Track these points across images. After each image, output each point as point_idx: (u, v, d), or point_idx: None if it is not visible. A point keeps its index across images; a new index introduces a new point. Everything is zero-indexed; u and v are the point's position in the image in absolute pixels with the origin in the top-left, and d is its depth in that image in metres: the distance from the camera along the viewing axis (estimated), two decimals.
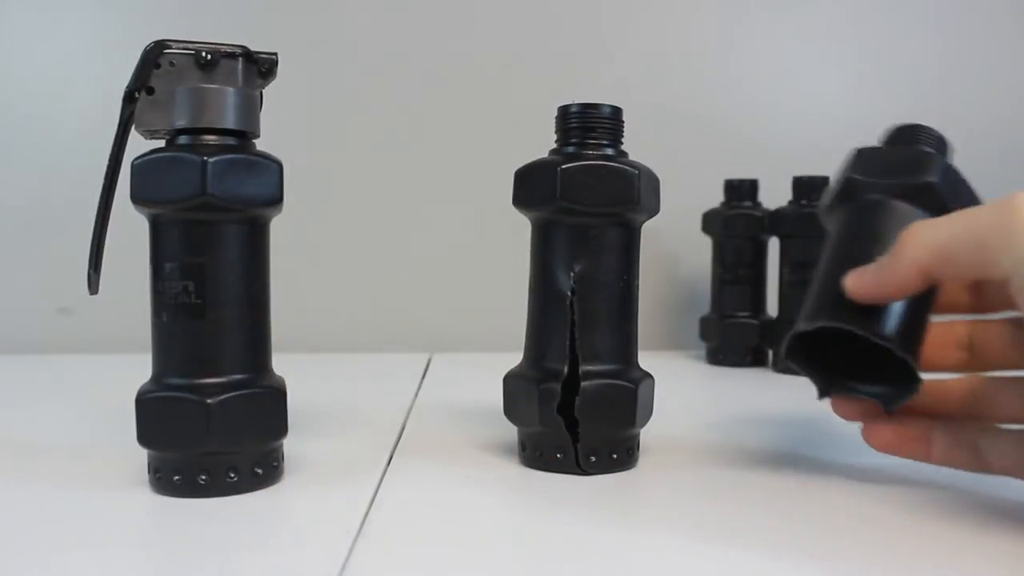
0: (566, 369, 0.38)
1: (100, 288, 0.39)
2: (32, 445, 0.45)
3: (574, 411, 0.38)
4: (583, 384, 0.38)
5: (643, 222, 0.40)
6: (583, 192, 0.38)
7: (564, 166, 0.38)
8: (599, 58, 0.82)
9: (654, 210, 0.40)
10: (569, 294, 0.38)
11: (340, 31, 0.79)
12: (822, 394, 0.36)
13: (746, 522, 0.34)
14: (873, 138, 0.86)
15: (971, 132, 0.84)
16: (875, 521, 0.34)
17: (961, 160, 0.85)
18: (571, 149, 0.39)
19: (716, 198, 0.74)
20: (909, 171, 0.37)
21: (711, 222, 0.73)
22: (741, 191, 0.72)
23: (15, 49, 0.78)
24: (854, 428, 0.38)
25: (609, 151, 0.39)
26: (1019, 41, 0.85)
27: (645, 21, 0.83)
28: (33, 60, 0.78)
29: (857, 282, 0.33)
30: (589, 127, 0.39)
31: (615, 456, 0.39)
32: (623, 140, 0.40)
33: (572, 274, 0.38)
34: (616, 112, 0.40)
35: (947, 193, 0.37)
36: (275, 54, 0.38)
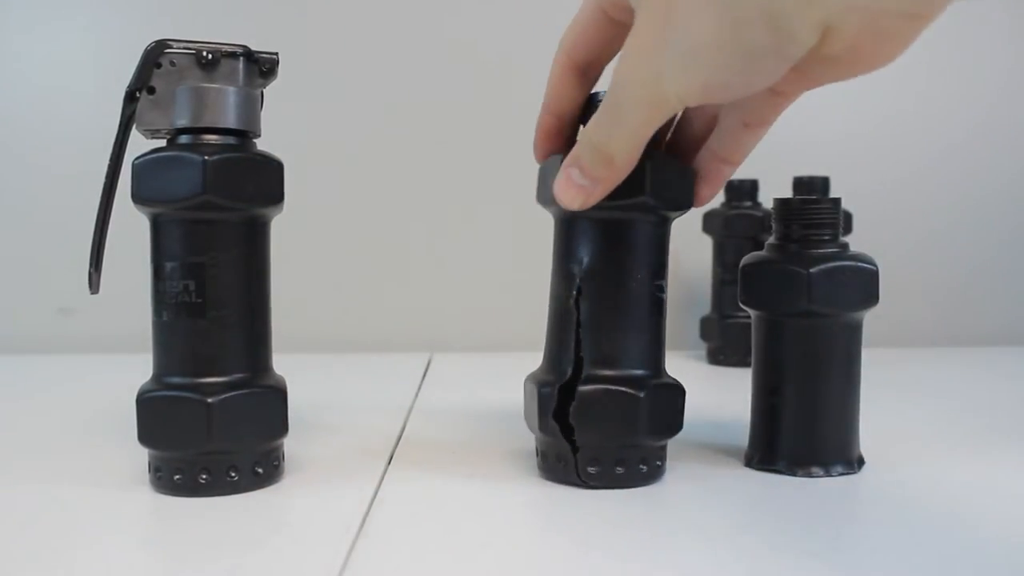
0: (570, 372, 0.36)
1: (100, 288, 0.39)
2: (32, 445, 0.45)
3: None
4: (579, 389, 0.36)
5: (665, 217, 0.37)
6: None
7: None
8: None
9: (676, 203, 0.37)
10: (574, 292, 0.37)
11: (340, 31, 0.79)
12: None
13: (746, 522, 0.34)
14: (870, 136, 0.86)
15: (972, 132, 0.84)
16: (875, 519, 0.34)
17: (962, 160, 0.85)
18: None
19: (716, 198, 0.74)
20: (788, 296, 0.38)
21: (711, 222, 0.73)
22: (741, 191, 0.71)
23: (15, 49, 0.78)
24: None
25: None
26: (1020, 38, 0.85)
27: None
28: (33, 60, 0.78)
29: (581, 200, 0.35)
30: None
31: (621, 469, 0.36)
32: None
33: (578, 271, 0.37)
34: None
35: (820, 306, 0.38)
36: (276, 54, 0.38)
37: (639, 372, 0.37)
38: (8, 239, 0.78)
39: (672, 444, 0.43)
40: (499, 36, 0.81)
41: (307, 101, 0.76)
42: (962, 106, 0.84)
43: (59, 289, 0.76)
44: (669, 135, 0.40)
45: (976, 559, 0.30)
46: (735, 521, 0.34)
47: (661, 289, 0.37)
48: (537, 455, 0.39)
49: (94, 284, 0.38)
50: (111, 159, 0.37)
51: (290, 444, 0.39)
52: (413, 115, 0.79)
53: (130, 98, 0.36)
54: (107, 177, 0.37)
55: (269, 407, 0.36)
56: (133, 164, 0.35)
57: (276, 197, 0.36)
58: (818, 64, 0.31)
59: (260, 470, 0.36)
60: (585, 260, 0.37)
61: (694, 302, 0.80)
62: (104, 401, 0.53)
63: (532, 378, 0.38)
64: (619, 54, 0.33)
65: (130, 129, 0.37)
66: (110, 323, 0.73)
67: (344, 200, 0.79)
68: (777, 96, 0.36)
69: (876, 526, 0.33)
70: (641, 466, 0.37)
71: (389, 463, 0.41)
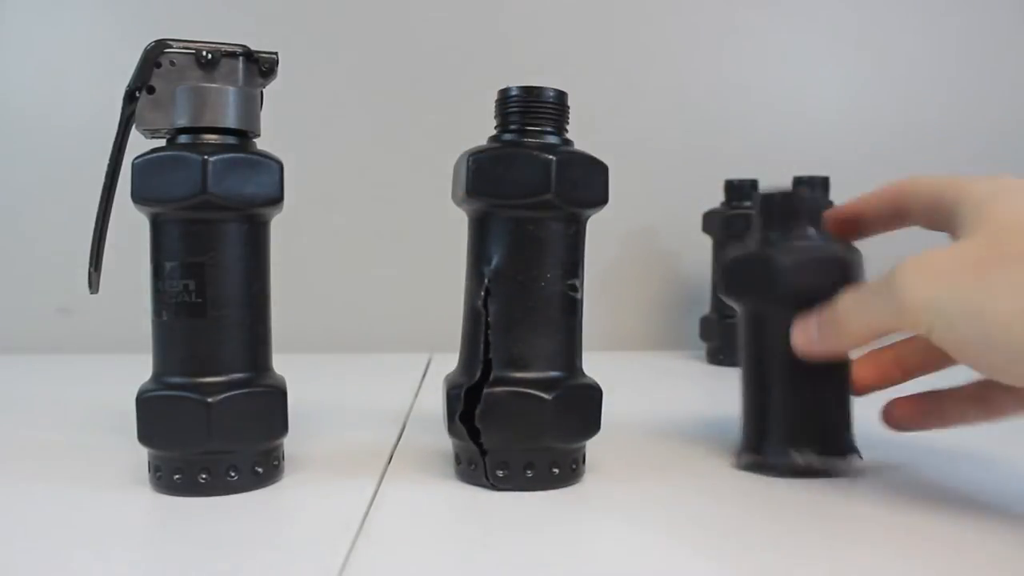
0: (479, 374, 0.36)
1: (100, 288, 0.39)
2: (32, 445, 0.45)
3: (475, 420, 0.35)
4: (485, 391, 0.35)
5: (575, 215, 0.36)
6: (493, 181, 0.35)
7: (474, 154, 0.35)
8: (599, 57, 0.82)
9: (588, 201, 0.36)
10: (483, 294, 0.36)
11: (341, 30, 0.79)
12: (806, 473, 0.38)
13: (741, 525, 0.34)
14: (871, 137, 0.86)
15: (970, 131, 0.84)
16: (876, 524, 0.34)
17: (960, 158, 0.85)
18: (509, 136, 0.36)
19: (716, 198, 0.74)
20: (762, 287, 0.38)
21: (711, 222, 0.73)
22: (741, 191, 0.72)
23: (15, 49, 0.78)
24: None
25: (551, 138, 0.36)
26: (1020, 40, 0.85)
27: (645, 21, 0.83)
28: (33, 59, 0.78)
29: (804, 347, 0.37)
30: (530, 111, 0.36)
31: (530, 473, 0.36)
32: (568, 126, 0.37)
33: (487, 271, 0.36)
34: (560, 96, 0.37)
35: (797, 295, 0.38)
36: (275, 53, 0.38)
37: (550, 374, 0.36)
38: (8, 239, 0.78)
39: (668, 442, 0.43)
40: (499, 32, 0.81)
41: (307, 101, 0.76)
42: (965, 106, 0.84)
43: (59, 289, 0.76)
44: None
45: (973, 557, 0.30)
46: (726, 520, 0.34)
47: (574, 288, 0.37)
48: (453, 458, 0.38)
49: (94, 284, 0.38)
50: (111, 159, 0.37)
51: (290, 444, 0.39)
52: (413, 115, 0.79)
53: (130, 98, 0.36)
54: (107, 177, 0.37)
55: (269, 407, 0.36)
56: (133, 164, 0.35)
57: (276, 197, 0.36)
58: None
59: (260, 470, 0.36)
60: (494, 260, 0.36)
61: (694, 302, 0.80)
62: (104, 401, 0.53)
63: (446, 380, 0.38)
64: (912, 257, 0.32)
65: (130, 129, 0.37)
66: (110, 323, 0.73)
67: (344, 200, 0.79)
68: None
69: (870, 524, 0.33)
70: (554, 469, 0.36)
71: (389, 463, 0.41)
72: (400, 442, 0.45)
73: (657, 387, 0.41)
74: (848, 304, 0.35)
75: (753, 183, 0.72)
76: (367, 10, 0.79)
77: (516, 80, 0.38)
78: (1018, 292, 0.29)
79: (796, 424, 0.39)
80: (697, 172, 0.77)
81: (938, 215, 0.36)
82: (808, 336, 0.37)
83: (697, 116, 0.83)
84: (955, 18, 0.85)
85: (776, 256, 0.38)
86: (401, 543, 0.31)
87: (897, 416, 0.39)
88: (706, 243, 0.74)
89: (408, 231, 0.80)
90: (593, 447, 0.38)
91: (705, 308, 0.74)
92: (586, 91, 0.79)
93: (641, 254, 0.81)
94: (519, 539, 0.32)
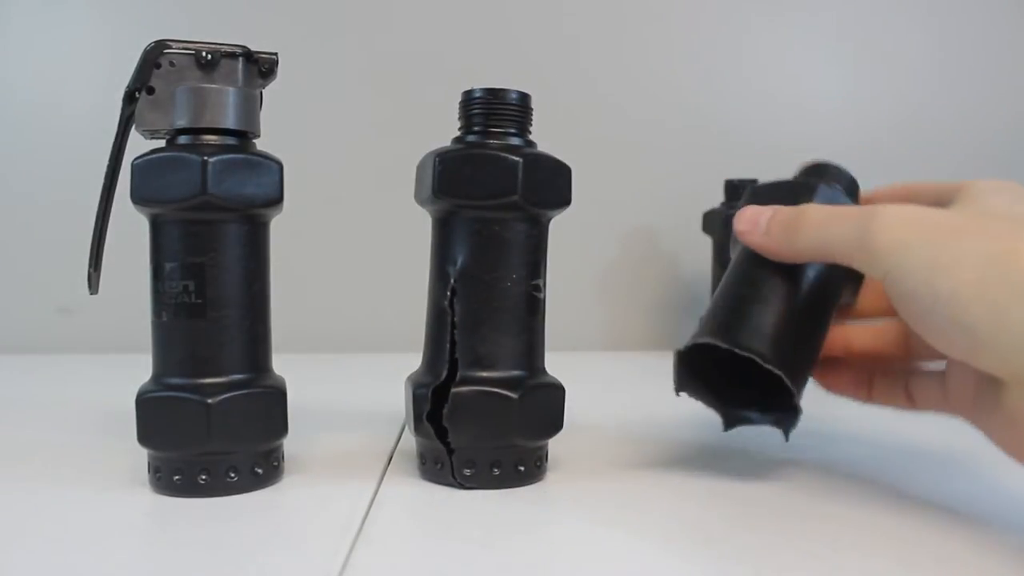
0: (445, 374, 0.36)
1: (100, 288, 0.39)
2: (32, 445, 0.45)
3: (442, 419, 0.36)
4: (453, 390, 0.35)
5: (540, 217, 0.37)
6: (459, 183, 0.35)
7: (440, 155, 0.36)
8: (599, 59, 0.82)
9: (552, 203, 0.37)
10: (449, 294, 0.36)
11: (340, 30, 0.79)
12: (727, 427, 0.37)
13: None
14: (872, 138, 0.86)
15: (970, 131, 0.84)
16: (882, 534, 0.34)
17: (960, 159, 0.85)
18: (473, 137, 0.37)
19: (716, 198, 0.74)
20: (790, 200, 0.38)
21: (711, 222, 0.73)
22: (741, 191, 0.72)
23: (15, 48, 0.78)
24: (860, 430, 0.37)
25: (515, 140, 0.36)
26: (1020, 40, 0.85)
27: (646, 22, 0.83)
28: (33, 60, 0.78)
29: (746, 233, 0.36)
30: (493, 113, 0.36)
31: (497, 471, 0.36)
32: (531, 128, 0.38)
33: (452, 271, 0.36)
34: (523, 98, 0.37)
35: None
36: (275, 54, 0.38)
37: (515, 373, 0.36)
38: (8, 239, 0.78)
39: (662, 442, 0.43)
40: (501, 34, 0.81)
41: (307, 101, 0.76)
42: (963, 106, 0.84)
43: (59, 289, 0.76)
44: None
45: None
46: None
47: (538, 288, 0.37)
48: (417, 457, 0.38)
49: (94, 284, 0.38)
50: (110, 159, 0.37)
51: (290, 444, 0.39)
52: (414, 114, 0.79)
53: (129, 98, 0.36)
54: (106, 177, 0.37)
55: (269, 407, 0.36)
56: (132, 164, 0.35)
57: (276, 197, 0.36)
58: (996, 412, 0.30)
59: (259, 471, 0.36)
60: (459, 260, 0.36)
61: (694, 302, 0.80)
62: (104, 401, 0.53)
63: (410, 380, 0.38)
64: (899, 204, 0.32)
65: (129, 129, 0.37)
66: (110, 323, 0.73)
67: (344, 200, 0.79)
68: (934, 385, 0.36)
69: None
70: (519, 467, 0.37)
71: (389, 463, 0.41)
72: (400, 442, 0.45)
73: (649, 387, 0.41)
74: (817, 214, 0.34)
75: (753, 183, 0.72)
76: (367, 11, 0.79)
77: (516, 81, 0.38)
78: (980, 263, 0.29)
79: (772, 328, 0.35)
80: (697, 172, 0.77)
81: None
82: (755, 223, 0.35)
83: (697, 116, 0.83)
84: (956, 17, 0.85)
85: (811, 181, 0.38)
86: (401, 543, 0.31)
87: (830, 382, 0.40)
88: (706, 243, 0.74)
89: (409, 231, 0.80)
90: (580, 446, 0.38)
91: (705, 308, 0.74)
92: (586, 91, 0.79)
93: (641, 254, 0.81)
94: (521, 539, 0.32)
